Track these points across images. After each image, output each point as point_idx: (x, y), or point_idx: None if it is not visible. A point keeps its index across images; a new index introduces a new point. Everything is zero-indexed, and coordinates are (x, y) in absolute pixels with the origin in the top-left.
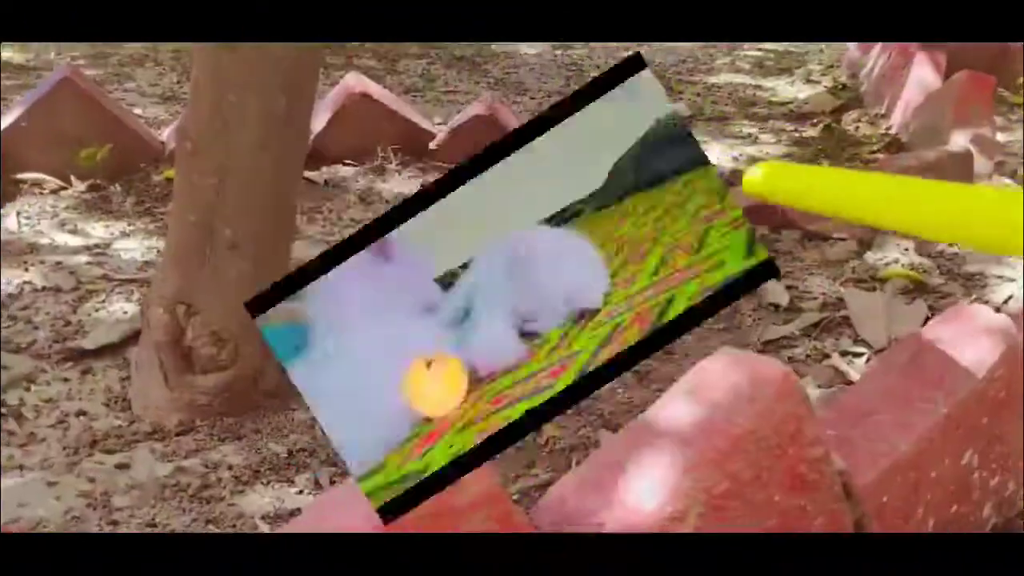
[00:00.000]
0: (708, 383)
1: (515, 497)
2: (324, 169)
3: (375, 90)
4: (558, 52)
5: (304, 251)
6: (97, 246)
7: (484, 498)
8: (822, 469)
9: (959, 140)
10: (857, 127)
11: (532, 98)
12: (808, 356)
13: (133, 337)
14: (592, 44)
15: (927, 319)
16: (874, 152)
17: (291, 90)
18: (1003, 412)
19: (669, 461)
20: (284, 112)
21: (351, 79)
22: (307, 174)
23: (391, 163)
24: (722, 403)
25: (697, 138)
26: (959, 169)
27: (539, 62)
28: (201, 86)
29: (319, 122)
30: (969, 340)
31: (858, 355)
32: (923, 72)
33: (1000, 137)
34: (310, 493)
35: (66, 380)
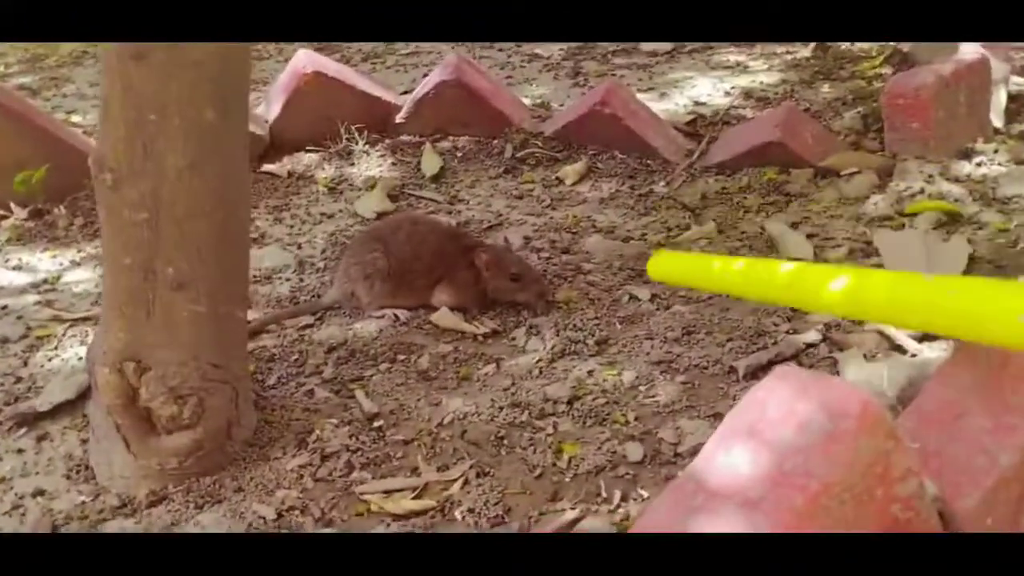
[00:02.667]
0: (770, 418)
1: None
2: (286, 159)
3: (329, 66)
4: None
5: (275, 257)
6: (45, 281)
7: None
8: (916, 505)
9: (969, 45)
10: (852, 41)
11: (500, 50)
12: (843, 319)
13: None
14: None
15: (971, 257)
16: (876, 67)
17: (219, 99)
18: None
19: (732, 531)
20: (215, 125)
21: (301, 57)
22: (268, 167)
23: (357, 144)
24: (792, 447)
25: (684, 74)
26: (977, 79)
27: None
28: (113, 107)
29: (273, 109)
30: None
31: None
32: None
33: None
34: None
35: (20, 452)
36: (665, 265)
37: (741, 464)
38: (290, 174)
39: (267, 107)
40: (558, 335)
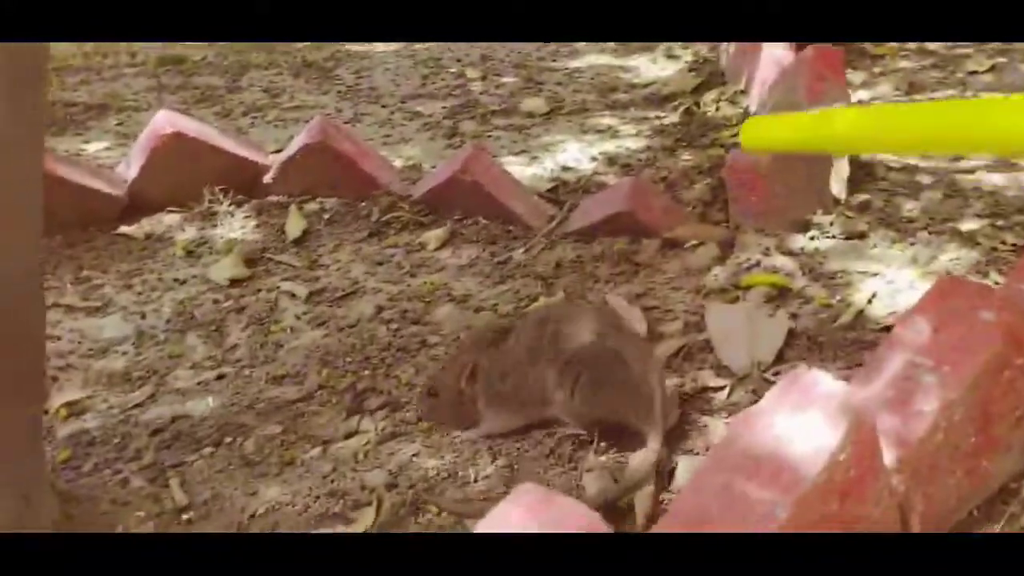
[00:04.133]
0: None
1: None
2: (144, 221)
3: (189, 126)
4: (417, 47)
5: (115, 327)
6: None
7: None
8: None
9: None
10: (718, 107)
11: (384, 106)
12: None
13: None
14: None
15: (791, 332)
16: (735, 136)
17: None
18: (855, 489)
19: None
20: None
21: (160, 118)
22: (124, 229)
23: (221, 204)
24: None
25: (557, 137)
26: None
27: (396, 61)
28: None
29: (132, 170)
30: (806, 421)
31: (718, 389)
32: (775, 47)
33: (864, 94)
34: None
35: None
36: (757, 132)
37: None
38: (147, 236)
39: (127, 166)
40: (389, 416)
